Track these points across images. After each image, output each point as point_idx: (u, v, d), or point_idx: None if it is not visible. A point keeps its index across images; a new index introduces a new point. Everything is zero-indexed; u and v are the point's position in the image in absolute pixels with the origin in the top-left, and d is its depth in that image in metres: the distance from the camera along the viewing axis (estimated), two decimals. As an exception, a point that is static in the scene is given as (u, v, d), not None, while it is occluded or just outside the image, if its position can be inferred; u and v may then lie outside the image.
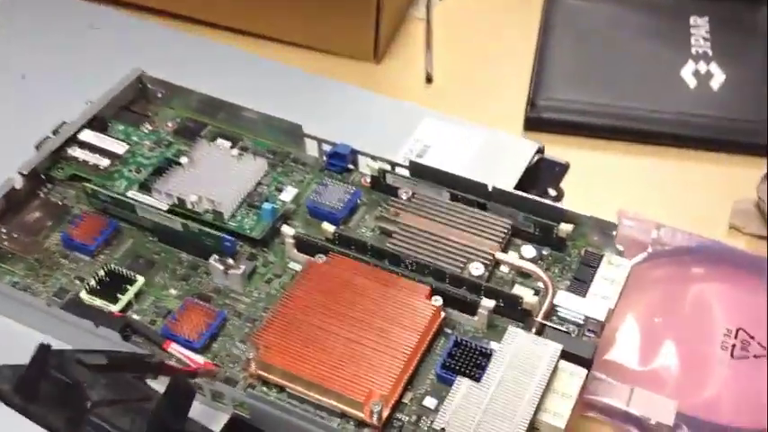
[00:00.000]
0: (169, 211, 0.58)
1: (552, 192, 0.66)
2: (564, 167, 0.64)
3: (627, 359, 0.59)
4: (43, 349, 0.38)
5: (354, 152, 0.62)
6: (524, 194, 0.57)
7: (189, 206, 0.58)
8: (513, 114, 0.78)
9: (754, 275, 0.64)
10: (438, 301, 0.51)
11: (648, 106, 0.76)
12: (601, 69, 0.80)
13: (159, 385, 0.44)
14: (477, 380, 0.48)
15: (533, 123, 0.77)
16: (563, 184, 0.65)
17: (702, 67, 0.79)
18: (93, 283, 0.55)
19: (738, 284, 0.64)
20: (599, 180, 0.73)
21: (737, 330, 0.60)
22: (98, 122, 0.65)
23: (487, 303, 0.51)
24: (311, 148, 0.64)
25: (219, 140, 0.65)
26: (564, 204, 0.65)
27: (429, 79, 0.81)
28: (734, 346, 0.59)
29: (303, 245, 0.56)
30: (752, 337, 0.60)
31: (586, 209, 0.69)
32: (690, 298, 0.63)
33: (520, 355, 0.48)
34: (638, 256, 0.65)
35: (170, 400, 0.39)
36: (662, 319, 0.61)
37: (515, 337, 0.49)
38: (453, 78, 0.81)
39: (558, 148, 0.76)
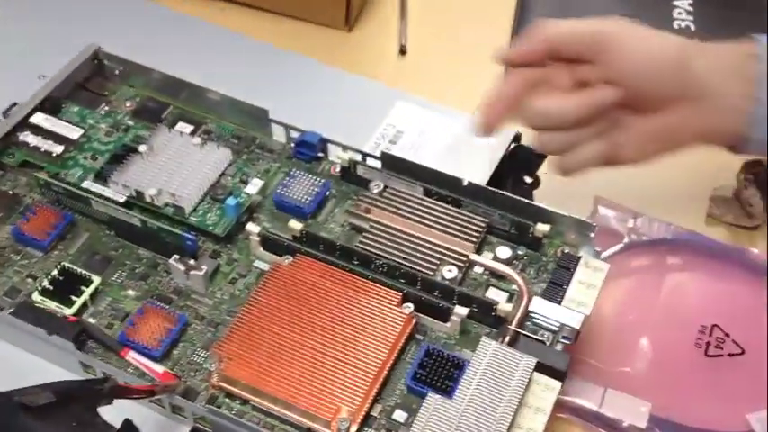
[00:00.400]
0: (127, 204, 0.55)
1: (528, 179, 0.64)
2: (541, 156, 0.62)
3: (600, 358, 0.58)
4: None
5: (324, 140, 0.59)
6: (500, 192, 0.54)
7: (148, 199, 0.55)
8: (489, 89, 0.75)
9: (732, 267, 0.63)
10: (409, 308, 0.50)
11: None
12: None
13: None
14: (449, 392, 0.47)
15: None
16: (540, 171, 0.63)
17: (684, 42, 0.77)
18: (45, 283, 0.52)
19: (715, 277, 0.62)
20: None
21: (712, 327, 0.59)
22: (51, 103, 0.61)
23: (461, 311, 0.49)
24: (278, 134, 0.61)
25: (181, 124, 0.61)
26: (540, 193, 0.64)
27: (403, 51, 0.77)
28: (708, 344, 0.58)
29: (269, 243, 0.53)
30: (727, 335, 0.59)
31: (562, 194, 0.67)
32: (665, 291, 0.62)
33: (493, 370, 0.46)
34: (614, 247, 0.64)
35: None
36: (636, 316, 0.60)
37: (488, 349, 0.47)
38: (428, 50, 0.77)
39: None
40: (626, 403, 0.55)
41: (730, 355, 0.58)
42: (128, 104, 0.63)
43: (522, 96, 0.51)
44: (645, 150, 0.52)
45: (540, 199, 0.66)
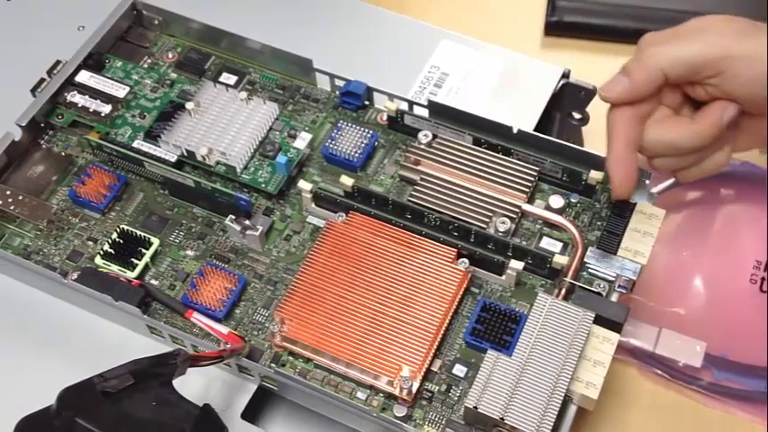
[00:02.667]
0: (179, 164, 0.56)
1: (577, 115, 0.63)
2: (590, 92, 0.61)
3: (653, 297, 0.58)
4: (64, 419, 0.36)
5: (369, 89, 0.58)
6: (551, 138, 0.54)
7: (199, 158, 0.55)
8: (533, 19, 0.73)
9: (786, 198, 0.62)
10: (464, 263, 0.50)
11: (676, 6, 0.71)
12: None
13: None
14: (507, 347, 0.47)
15: (554, 27, 0.73)
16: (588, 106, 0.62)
17: (738, -43, 0.73)
18: (106, 247, 0.53)
19: (769, 208, 0.61)
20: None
21: (767, 262, 0.59)
22: (94, 60, 0.61)
23: (516, 265, 0.49)
24: (322, 81, 0.60)
25: (225, 75, 0.61)
26: (590, 128, 0.63)
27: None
28: (763, 279, 0.58)
29: (321, 200, 0.53)
30: (782, 270, 0.58)
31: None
32: (718, 224, 0.61)
33: (551, 326, 0.47)
34: (666, 181, 0.63)
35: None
36: (690, 252, 0.60)
37: (545, 305, 0.47)
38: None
39: (580, 54, 0.72)
40: (681, 343, 0.55)
41: (786, 290, 0.58)
42: (170, 56, 0.62)
43: (639, 135, 0.48)
44: (759, 146, 0.50)
45: (590, 134, 0.65)
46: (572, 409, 0.47)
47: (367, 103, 0.59)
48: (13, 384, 0.51)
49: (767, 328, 0.56)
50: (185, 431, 0.38)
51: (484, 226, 0.52)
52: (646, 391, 0.55)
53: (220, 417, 0.44)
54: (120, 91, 0.59)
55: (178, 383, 0.43)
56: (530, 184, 0.53)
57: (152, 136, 0.57)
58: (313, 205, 0.54)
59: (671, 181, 0.63)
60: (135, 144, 0.57)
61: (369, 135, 0.56)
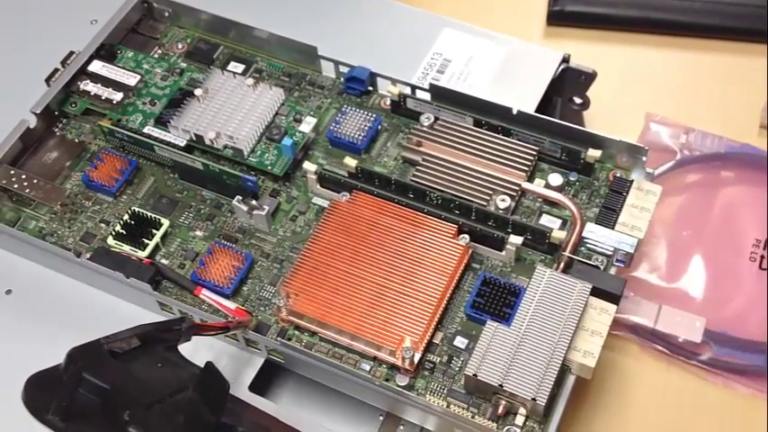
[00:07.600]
0: (188, 148, 0.58)
1: (578, 100, 0.64)
2: (590, 76, 0.62)
3: (654, 276, 0.59)
4: (72, 373, 0.37)
5: (373, 75, 0.60)
6: (550, 119, 0.55)
7: (207, 142, 0.57)
8: (535, 9, 0.75)
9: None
10: (465, 239, 0.51)
11: (678, -6, 0.73)
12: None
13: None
14: (507, 319, 0.49)
15: (556, 17, 0.74)
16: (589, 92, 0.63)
17: (738, -54, 0.74)
18: (118, 228, 0.55)
19: (768, 189, 0.62)
20: (625, 77, 0.71)
21: (767, 240, 0.60)
22: (106, 50, 0.63)
23: (515, 240, 0.51)
24: (327, 69, 0.62)
25: (233, 64, 0.63)
26: (590, 113, 0.64)
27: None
28: (762, 257, 0.59)
29: (326, 180, 0.55)
30: (781, 248, 0.59)
31: (612, 113, 0.67)
32: (718, 206, 0.62)
33: (549, 296, 0.48)
34: (666, 164, 0.64)
35: (203, 396, 0.40)
36: (690, 232, 0.61)
37: (544, 277, 0.48)
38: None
39: (583, 43, 0.73)
40: (681, 319, 0.56)
41: (784, 267, 0.59)
42: (180, 46, 0.64)
43: None
44: None
45: (590, 119, 0.66)
46: (570, 379, 0.48)
47: (371, 88, 0.60)
48: (27, 358, 0.52)
49: (767, 304, 0.57)
50: (189, 388, 0.39)
51: (484, 204, 0.53)
52: (647, 367, 0.56)
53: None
54: (132, 79, 0.61)
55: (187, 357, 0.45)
56: (529, 164, 0.54)
57: (162, 122, 0.59)
58: (318, 186, 0.55)
59: (670, 163, 0.64)
60: (146, 130, 0.59)
61: (372, 119, 0.57)
